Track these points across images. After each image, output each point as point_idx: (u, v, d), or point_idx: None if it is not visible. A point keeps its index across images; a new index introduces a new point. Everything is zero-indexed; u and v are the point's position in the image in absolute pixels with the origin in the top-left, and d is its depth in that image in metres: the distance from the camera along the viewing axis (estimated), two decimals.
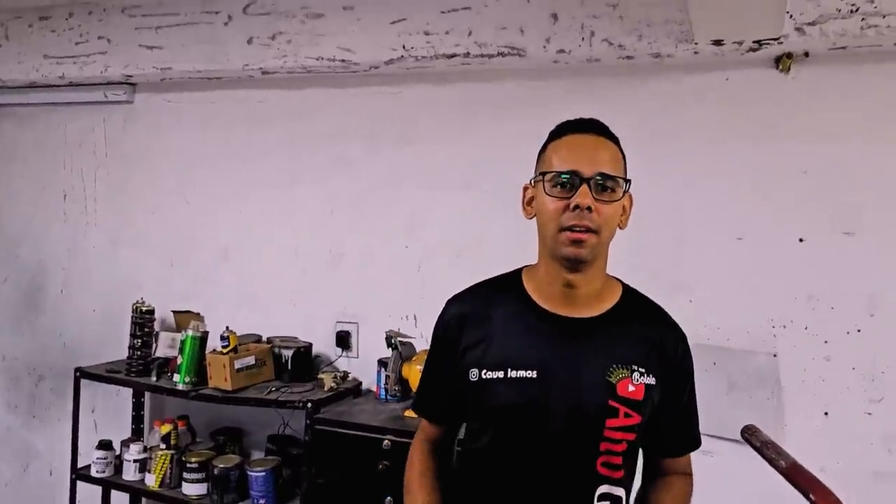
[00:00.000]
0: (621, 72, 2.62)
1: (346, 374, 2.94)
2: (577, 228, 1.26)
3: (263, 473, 2.76)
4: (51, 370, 3.66)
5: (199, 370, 2.86)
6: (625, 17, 2.44)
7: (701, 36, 2.30)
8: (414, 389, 2.55)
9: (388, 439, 2.43)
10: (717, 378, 2.46)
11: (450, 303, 1.48)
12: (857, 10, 2.17)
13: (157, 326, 3.17)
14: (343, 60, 2.83)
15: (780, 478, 1.27)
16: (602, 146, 1.33)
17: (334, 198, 3.09)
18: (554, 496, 1.31)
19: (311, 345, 3.03)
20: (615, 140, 1.37)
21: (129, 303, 3.14)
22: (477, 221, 2.84)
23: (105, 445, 3.06)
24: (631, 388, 1.31)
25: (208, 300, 3.27)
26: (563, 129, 1.37)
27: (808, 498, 1.16)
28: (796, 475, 1.19)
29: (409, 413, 2.54)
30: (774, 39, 2.26)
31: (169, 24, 3.11)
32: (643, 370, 1.33)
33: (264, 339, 3.08)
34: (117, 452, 3.08)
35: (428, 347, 1.54)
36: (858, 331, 2.36)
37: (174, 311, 3.22)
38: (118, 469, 3.05)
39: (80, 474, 3.08)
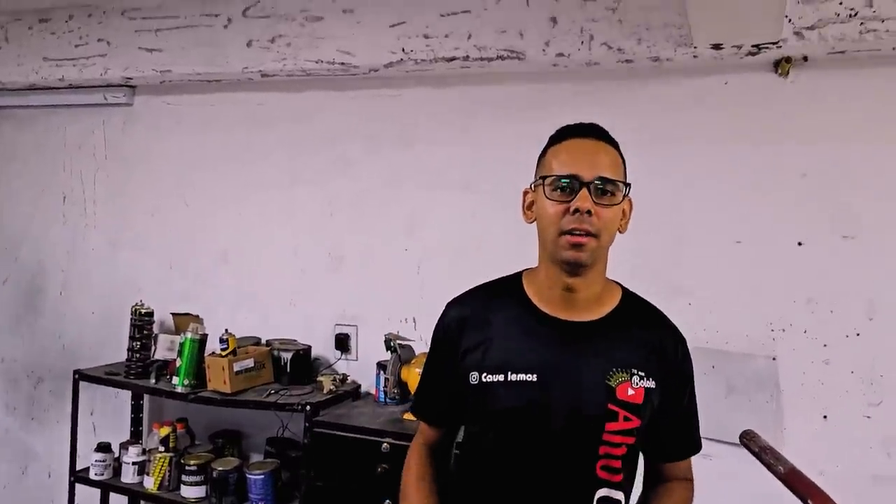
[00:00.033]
0: (620, 75, 2.63)
1: (345, 377, 2.94)
2: (577, 232, 1.27)
3: (262, 476, 2.76)
4: (50, 372, 3.66)
5: (198, 373, 2.85)
6: (624, 20, 2.44)
7: (700, 40, 2.30)
8: (413, 392, 2.55)
9: (387, 442, 2.43)
10: (716, 381, 2.46)
11: (450, 306, 1.48)
12: (855, 14, 2.18)
13: (156, 329, 3.17)
14: (342, 63, 2.84)
15: (780, 482, 1.27)
16: (602, 150, 1.33)
17: (334, 200, 3.09)
18: (553, 499, 1.31)
19: (310, 347, 3.03)
20: (615, 144, 1.37)
21: (128, 305, 3.14)
22: (476, 224, 2.84)
23: (104, 448, 3.06)
24: (630, 391, 1.31)
25: (207, 302, 3.26)
26: (563, 134, 1.38)
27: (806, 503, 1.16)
28: (795, 481, 1.19)
29: (408, 416, 2.54)
30: (773, 43, 2.27)
31: (168, 27, 3.12)
32: (643, 374, 1.33)
33: (263, 341, 3.08)
34: (116, 455, 3.08)
35: (427, 350, 1.54)
36: (857, 334, 2.36)
37: (173, 314, 3.22)
38: (117, 471, 3.05)
39: (78, 477, 3.08)
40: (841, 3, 2.19)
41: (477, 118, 2.86)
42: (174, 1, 3.10)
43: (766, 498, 1.95)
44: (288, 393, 2.78)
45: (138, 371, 3.02)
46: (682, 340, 1.42)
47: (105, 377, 3.06)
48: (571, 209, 1.27)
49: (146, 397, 3.32)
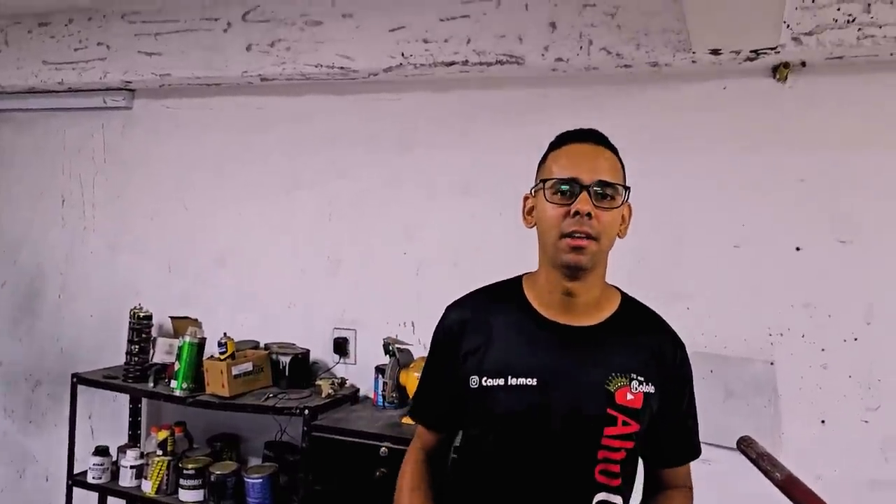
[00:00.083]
0: (619, 80, 2.63)
1: (343, 381, 2.94)
2: (578, 235, 1.27)
3: (260, 480, 2.76)
4: (48, 375, 3.65)
5: (197, 376, 2.85)
6: (623, 26, 2.45)
7: (698, 45, 2.31)
8: (411, 396, 2.55)
9: (386, 446, 2.43)
10: (714, 386, 2.46)
11: (450, 308, 1.48)
12: (853, 20, 2.18)
13: (154, 332, 3.17)
14: (342, 67, 2.84)
15: (777, 489, 1.28)
16: (601, 155, 1.34)
17: (333, 204, 3.09)
18: (551, 502, 1.32)
19: (308, 351, 3.04)
20: (614, 150, 1.38)
21: (126, 308, 3.14)
22: (475, 228, 2.84)
23: (102, 451, 3.06)
24: (629, 396, 1.31)
25: (206, 306, 3.26)
26: (563, 139, 1.39)
27: None
28: (792, 487, 1.19)
29: (407, 420, 2.54)
30: (771, 49, 2.28)
31: (168, 31, 3.12)
32: (642, 378, 1.33)
33: (262, 345, 3.08)
34: (114, 458, 3.08)
35: (426, 354, 1.54)
36: (855, 339, 2.37)
37: (172, 317, 3.22)
38: (115, 475, 3.05)
39: (76, 480, 3.08)
40: (839, 10, 2.20)
41: (476, 122, 2.86)
42: (174, 5, 3.11)
43: (763, 502, 1.96)
44: (286, 397, 2.78)
45: (137, 374, 3.02)
46: (681, 345, 1.43)
47: (103, 380, 3.06)
48: (572, 212, 1.27)
49: (144, 401, 3.31)
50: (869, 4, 2.17)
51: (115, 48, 3.23)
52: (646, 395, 1.33)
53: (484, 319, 1.40)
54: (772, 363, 2.44)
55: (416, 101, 2.95)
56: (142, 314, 3.07)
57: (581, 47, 2.51)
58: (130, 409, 3.31)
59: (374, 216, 3.02)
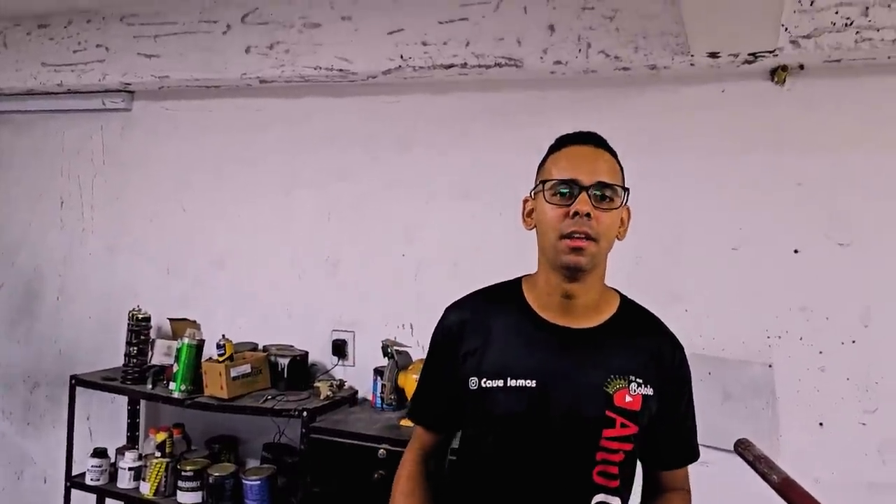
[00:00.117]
0: (618, 83, 2.64)
1: (342, 383, 2.94)
2: (577, 235, 1.28)
3: (259, 482, 2.75)
4: (46, 377, 3.65)
5: (195, 378, 2.85)
6: (621, 29, 2.46)
7: (697, 48, 2.31)
8: (410, 398, 2.55)
9: (384, 448, 2.43)
10: (712, 388, 2.47)
11: (449, 309, 1.48)
12: (851, 23, 2.19)
13: (153, 334, 3.17)
14: (341, 70, 2.85)
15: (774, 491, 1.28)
16: (601, 157, 1.35)
17: (331, 206, 3.10)
18: (549, 503, 1.32)
19: (307, 353, 3.04)
20: (613, 153, 1.39)
21: (125, 310, 3.14)
22: (474, 230, 2.84)
23: (100, 453, 3.06)
24: (628, 398, 1.32)
25: (205, 307, 3.27)
26: (563, 142, 1.40)
27: None
28: (788, 490, 1.19)
29: (405, 422, 2.54)
30: (770, 52, 2.28)
31: (167, 33, 3.13)
32: (640, 381, 1.34)
33: (260, 347, 3.08)
34: (112, 460, 3.08)
35: (425, 356, 1.54)
36: (853, 341, 2.37)
37: (170, 319, 3.22)
38: (113, 477, 3.04)
39: (74, 482, 3.08)
40: (837, 13, 2.21)
41: (475, 125, 2.87)
42: (173, 7, 3.11)
43: None
44: (285, 399, 2.78)
45: (135, 376, 3.02)
46: (680, 347, 1.43)
47: (102, 382, 3.06)
48: (571, 212, 1.28)
49: (143, 402, 3.31)
50: (867, 8, 2.18)
51: (114, 50, 3.23)
52: (644, 397, 1.33)
53: (483, 321, 1.41)
54: (770, 366, 2.45)
55: (415, 104, 2.96)
56: (140, 316, 3.07)
57: (580, 50, 2.51)
58: (129, 410, 3.31)
59: (373, 218, 3.03)
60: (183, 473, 2.84)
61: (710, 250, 2.53)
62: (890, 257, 2.34)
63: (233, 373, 2.77)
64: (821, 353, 2.40)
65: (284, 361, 2.93)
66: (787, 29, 2.25)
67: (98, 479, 3.03)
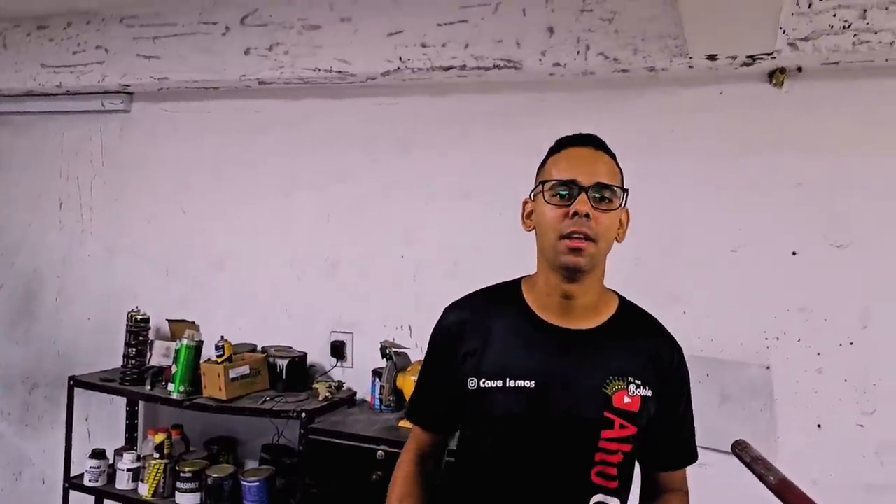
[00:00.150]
0: (617, 85, 2.64)
1: (340, 384, 2.94)
2: (576, 235, 1.28)
3: (257, 483, 2.76)
4: (45, 378, 3.65)
5: (194, 379, 2.85)
6: (620, 31, 2.46)
7: (695, 50, 2.32)
8: (408, 398, 2.55)
9: (383, 450, 2.43)
10: (710, 390, 2.47)
11: (449, 310, 1.49)
12: (849, 26, 2.20)
13: (151, 335, 3.17)
14: (340, 72, 2.85)
15: (771, 493, 1.28)
16: (600, 159, 1.36)
17: (331, 207, 3.10)
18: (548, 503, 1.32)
19: (305, 354, 3.04)
20: (612, 155, 1.40)
21: (124, 311, 3.14)
22: (473, 232, 2.85)
23: (98, 454, 3.05)
24: (627, 399, 1.32)
25: (204, 309, 3.27)
26: (562, 144, 1.41)
27: None
28: (785, 491, 1.19)
29: (404, 423, 2.54)
30: (768, 54, 2.29)
31: (167, 35, 3.13)
32: (639, 382, 1.34)
33: (259, 348, 3.08)
34: (111, 461, 3.07)
35: (423, 357, 1.54)
36: (851, 343, 2.38)
37: (169, 320, 3.22)
38: (111, 478, 3.04)
39: (72, 483, 3.07)
40: (835, 15, 2.21)
41: (474, 126, 2.87)
42: (172, 8, 3.11)
43: None
44: (283, 400, 2.78)
45: (134, 377, 3.02)
46: (679, 349, 1.44)
47: (100, 383, 3.06)
48: (570, 213, 1.29)
49: (141, 404, 3.31)
50: (865, 10, 2.19)
51: (113, 51, 3.23)
52: (643, 398, 1.34)
53: (483, 321, 1.41)
54: (768, 367, 2.45)
55: (415, 105, 2.96)
56: (139, 317, 3.07)
57: (578, 52, 2.52)
58: (127, 411, 3.30)
59: (373, 220, 3.03)
60: (181, 474, 2.84)
61: (708, 252, 2.54)
62: (888, 258, 2.34)
63: (231, 374, 2.77)
64: (819, 354, 2.41)
65: (283, 363, 2.93)
66: (785, 31, 2.25)
67: (96, 481, 3.02)
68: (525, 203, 1.44)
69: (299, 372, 2.97)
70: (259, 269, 3.23)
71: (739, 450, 1.40)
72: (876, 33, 2.18)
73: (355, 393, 2.97)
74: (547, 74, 2.63)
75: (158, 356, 3.12)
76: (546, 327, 1.37)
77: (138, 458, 3.00)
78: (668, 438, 1.43)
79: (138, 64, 3.18)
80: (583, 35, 2.51)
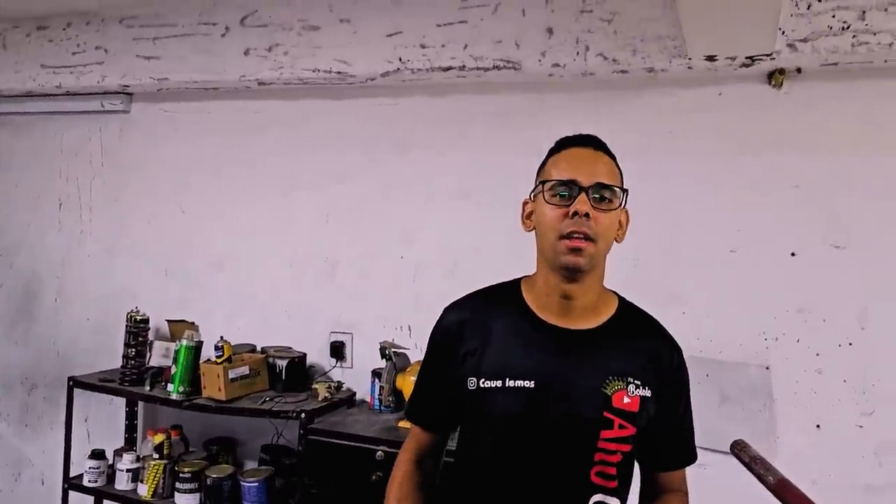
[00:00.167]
0: (616, 86, 2.64)
1: (340, 385, 2.94)
2: (576, 235, 1.29)
3: (256, 483, 2.76)
4: (44, 379, 3.65)
5: (193, 380, 2.86)
6: (619, 32, 2.46)
7: (694, 51, 2.32)
8: (407, 398, 2.55)
9: (382, 450, 2.43)
10: (709, 390, 2.47)
11: (448, 309, 1.49)
12: (848, 27, 2.20)
13: (151, 335, 3.17)
14: (339, 72, 2.85)
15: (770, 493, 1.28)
16: (600, 160, 1.36)
17: (330, 208, 3.10)
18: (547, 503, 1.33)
19: (305, 355, 3.04)
20: (612, 156, 1.40)
21: (123, 312, 3.14)
22: (472, 232, 2.85)
23: (98, 455, 3.05)
24: (626, 399, 1.33)
25: (203, 309, 3.27)
26: (563, 144, 1.41)
27: None
28: (784, 491, 1.19)
29: (404, 424, 2.54)
30: (767, 55, 2.29)
31: (166, 35, 3.13)
32: (639, 382, 1.34)
33: (259, 348, 3.09)
34: (110, 462, 3.08)
35: (423, 357, 1.54)
36: (850, 344, 2.38)
37: (168, 321, 3.22)
38: (111, 479, 3.04)
39: (72, 483, 3.07)
40: (834, 17, 2.22)
41: (473, 127, 2.87)
42: (172, 9, 3.11)
43: None
44: (283, 400, 2.78)
45: (133, 378, 3.02)
46: (678, 350, 1.44)
47: (99, 384, 3.06)
48: (570, 212, 1.29)
49: (141, 404, 3.31)
50: (864, 12, 2.19)
51: (113, 52, 3.23)
52: (642, 398, 1.34)
53: (483, 321, 1.41)
54: (767, 368, 2.45)
55: (414, 106, 2.96)
56: (138, 318, 3.07)
57: (578, 53, 2.52)
58: (127, 412, 3.30)
59: (372, 220, 3.03)
60: (181, 475, 2.84)
61: (707, 252, 2.54)
62: (887, 259, 2.35)
63: (231, 374, 2.77)
64: (818, 355, 2.41)
65: (282, 363, 2.94)
66: (784, 32, 2.26)
67: (96, 481, 3.03)
68: (525, 203, 1.44)
69: (299, 372, 2.97)
70: (258, 270, 3.23)
71: (738, 450, 1.40)
72: (875, 34, 2.18)
73: (355, 393, 2.97)
74: (546, 75, 2.63)
75: (158, 357, 3.12)
76: (546, 327, 1.37)
77: (138, 459, 3.00)
78: (668, 439, 1.44)
79: (138, 64, 3.18)
80: (582, 36, 2.52)
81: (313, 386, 2.88)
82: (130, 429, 3.30)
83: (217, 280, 3.30)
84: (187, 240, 3.36)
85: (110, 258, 3.53)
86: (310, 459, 2.58)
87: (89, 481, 3.03)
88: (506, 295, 1.45)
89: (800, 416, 2.42)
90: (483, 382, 1.35)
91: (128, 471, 2.97)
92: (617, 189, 1.34)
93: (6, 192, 3.78)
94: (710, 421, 2.34)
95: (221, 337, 2.86)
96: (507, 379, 1.33)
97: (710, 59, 2.35)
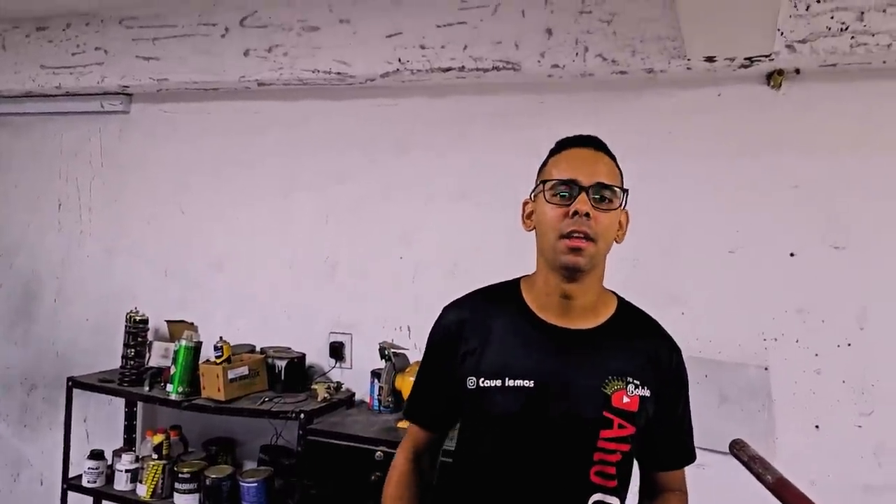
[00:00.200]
0: (615, 86, 2.65)
1: (339, 385, 2.95)
2: (576, 235, 1.29)
3: (256, 484, 2.76)
4: (43, 379, 3.65)
5: (193, 380, 2.85)
6: (618, 33, 2.47)
7: (693, 52, 2.33)
8: (406, 398, 2.55)
9: (381, 451, 2.43)
10: (708, 391, 2.47)
11: (448, 309, 1.49)
12: (846, 28, 2.20)
13: (150, 336, 3.17)
14: (339, 73, 2.85)
15: (769, 491, 1.28)
16: (601, 160, 1.37)
17: (329, 208, 3.10)
18: (547, 503, 1.33)
19: (304, 355, 3.04)
20: (613, 157, 1.41)
21: (122, 312, 3.14)
22: (471, 233, 2.85)
23: (97, 455, 3.05)
24: (625, 399, 1.33)
25: (203, 310, 3.27)
26: (563, 145, 1.42)
27: None
28: (783, 490, 1.19)
29: (403, 424, 2.54)
30: (766, 56, 2.29)
31: (166, 36, 3.13)
32: (638, 382, 1.35)
33: (258, 349, 3.09)
34: (109, 462, 3.07)
35: (422, 358, 1.54)
36: (849, 344, 2.38)
37: (168, 321, 3.22)
38: (110, 479, 3.04)
39: (71, 484, 3.07)
40: (832, 18, 2.22)
41: (473, 127, 2.88)
42: (172, 10, 3.11)
43: None
44: (282, 401, 2.78)
45: (132, 378, 3.01)
46: (677, 350, 1.44)
47: (99, 384, 3.06)
48: (570, 212, 1.29)
49: (140, 404, 3.31)
50: (862, 13, 2.20)
51: (112, 53, 3.24)
52: (642, 398, 1.34)
53: (483, 320, 1.41)
54: (766, 368, 2.46)
55: (413, 107, 2.97)
56: (138, 318, 3.07)
57: (577, 54, 2.52)
58: (126, 412, 3.30)
59: (371, 221, 3.03)
60: (180, 475, 2.84)
61: (707, 253, 2.55)
62: (886, 259, 2.35)
63: (230, 375, 2.77)
64: (817, 355, 2.41)
65: (282, 363, 2.94)
66: (783, 33, 2.26)
67: (95, 482, 3.02)
68: (525, 203, 1.44)
69: (298, 373, 2.97)
70: (258, 270, 3.23)
71: (737, 449, 1.41)
72: (873, 35, 2.18)
73: (354, 394, 2.97)
74: (545, 76, 2.63)
75: (157, 357, 3.12)
76: (545, 327, 1.37)
77: (137, 459, 3.00)
78: (667, 439, 1.44)
79: (137, 65, 3.18)
80: (581, 37, 2.52)
81: (312, 386, 2.88)
82: (129, 429, 3.30)
83: (216, 280, 3.30)
84: (187, 240, 3.36)
85: (110, 259, 3.53)
86: (309, 460, 2.58)
87: (88, 482, 3.03)
88: (505, 294, 1.45)
89: (799, 416, 2.42)
90: (482, 382, 1.35)
91: (127, 471, 2.96)
92: (617, 189, 1.34)
93: (6, 193, 3.78)
94: (709, 421, 2.34)
95: (221, 337, 2.87)
96: (507, 378, 1.33)
97: (709, 59, 2.35)
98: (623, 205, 1.36)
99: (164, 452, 2.94)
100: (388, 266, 2.99)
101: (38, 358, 3.67)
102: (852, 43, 2.21)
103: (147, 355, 3.12)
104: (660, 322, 1.47)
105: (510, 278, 1.50)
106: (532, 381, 1.32)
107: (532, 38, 2.58)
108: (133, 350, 3.04)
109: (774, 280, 2.46)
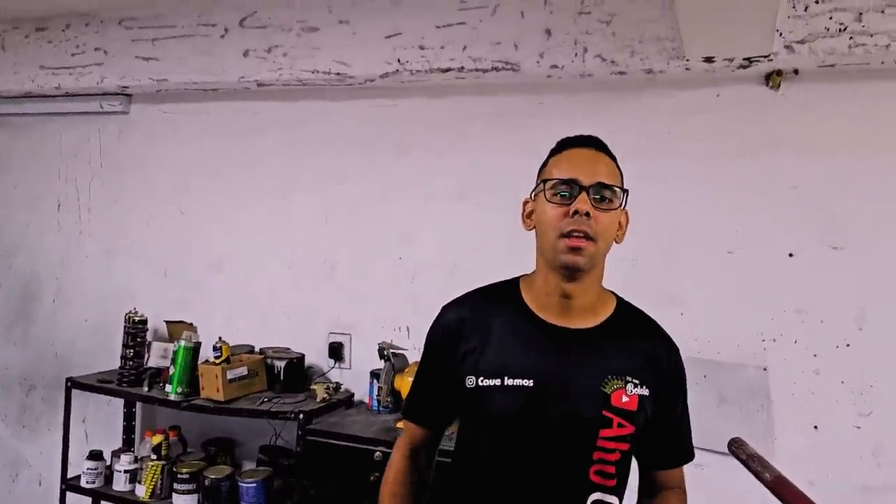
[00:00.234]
0: (614, 87, 2.65)
1: (338, 386, 2.94)
2: (576, 234, 1.29)
3: (255, 484, 2.76)
4: (42, 380, 3.64)
5: (192, 380, 2.85)
6: (617, 33, 2.47)
7: (692, 53, 2.33)
8: (405, 397, 2.55)
9: (380, 451, 2.43)
10: (707, 391, 2.47)
11: (447, 308, 1.49)
12: (845, 29, 2.21)
13: (149, 336, 3.17)
14: (338, 73, 2.86)
15: (767, 490, 1.28)
16: (601, 160, 1.37)
17: (329, 209, 3.10)
18: (546, 502, 1.33)
19: (303, 356, 3.04)
20: (613, 157, 1.41)
21: (122, 312, 3.13)
22: (471, 233, 2.85)
23: (96, 456, 3.05)
24: (625, 398, 1.33)
25: (202, 310, 3.27)
26: (564, 145, 1.42)
27: None
28: (781, 488, 1.19)
29: (401, 425, 2.53)
30: (764, 57, 2.30)
31: (165, 36, 3.13)
32: (637, 381, 1.35)
33: (257, 349, 3.09)
34: (108, 463, 3.07)
35: (421, 356, 1.54)
36: (847, 344, 2.38)
37: (167, 321, 3.22)
38: (108, 479, 3.03)
39: (70, 485, 3.07)
40: (831, 18, 2.23)
41: (472, 128, 2.88)
42: (171, 10, 3.12)
43: None
44: (281, 401, 2.78)
45: (131, 379, 3.01)
46: (676, 350, 1.45)
47: (98, 385, 3.05)
48: (571, 211, 1.30)
49: (139, 405, 3.31)
50: (860, 13, 2.20)
51: (112, 53, 3.24)
52: (641, 397, 1.34)
53: (482, 319, 1.41)
54: (765, 369, 2.46)
55: (413, 107, 2.97)
56: (137, 318, 3.07)
57: (576, 54, 2.53)
58: (125, 413, 3.30)
59: (371, 221, 3.03)
60: (179, 476, 2.84)
61: (706, 253, 2.55)
62: (885, 260, 2.35)
63: (229, 375, 2.77)
64: (815, 356, 2.42)
65: (281, 364, 2.94)
66: (781, 34, 2.26)
67: (94, 482, 3.02)
68: (525, 203, 1.45)
69: (297, 373, 2.97)
70: (257, 271, 3.23)
71: (736, 447, 1.41)
72: (872, 36, 2.19)
73: (353, 394, 2.97)
74: (545, 76, 2.64)
75: (156, 357, 3.12)
76: (544, 326, 1.38)
77: (136, 460, 2.99)
78: (666, 438, 1.44)
79: (137, 65, 3.19)
80: (580, 37, 2.52)
81: (312, 387, 2.88)
82: (128, 430, 3.30)
83: (216, 281, 3.30)
84: (186, 241, 3.36)
85: (109, 259, 3.53)
86: (308, 460, 2.58)
87: (87, 482, 3.02)
88: (504, 294, 1.45)
89: (797, 417, 2.42)
90: (482, 381, 1.35)
91: (126, 472, 2.96)
92: (617, 189, 1.35)
93: (5, 194, 3.77)
94: (707, 422, 2.34)
95: (220, 338, 2.86)
96: (506, 377, 1.33)
97: (708, 60, 2.35)
98: (623, 205, 1.36)
99: (163, 453, 2.93)
100: (388, 266, 2.99)
101: (37, 358, 3.67)
102: (851, 43, 2.21)
103: (146, 356, 3.12)
104: (659, 322, 1.47)
105: (509, 278, 1.50)
106: (531, 381, 1.32)
107: (531, 39, 2.58)
108: (132, 350, 3.04)
109: (773, 280, 2.47)
